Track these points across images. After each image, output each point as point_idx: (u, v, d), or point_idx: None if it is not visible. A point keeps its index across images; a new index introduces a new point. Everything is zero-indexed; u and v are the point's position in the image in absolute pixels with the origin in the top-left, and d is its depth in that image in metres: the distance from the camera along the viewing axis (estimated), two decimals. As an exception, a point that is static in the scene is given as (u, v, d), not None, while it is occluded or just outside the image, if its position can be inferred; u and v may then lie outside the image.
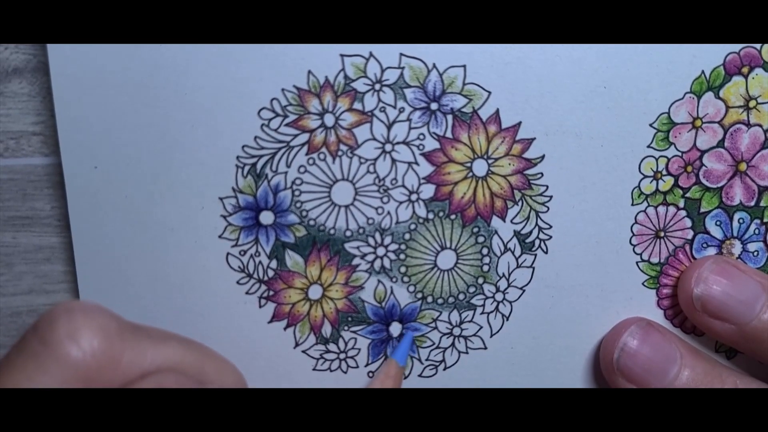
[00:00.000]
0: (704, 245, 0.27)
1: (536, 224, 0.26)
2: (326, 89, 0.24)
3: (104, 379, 0.18)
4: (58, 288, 0.25)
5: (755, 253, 0.27)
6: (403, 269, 0.26)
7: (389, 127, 0.24)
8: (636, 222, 0.26)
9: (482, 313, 0.27)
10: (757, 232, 0.27)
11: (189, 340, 0.20)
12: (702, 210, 0.27)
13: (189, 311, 0.25)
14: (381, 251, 0.25)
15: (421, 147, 0.25)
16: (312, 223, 0.25)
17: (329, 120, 0.24)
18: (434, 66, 0.24)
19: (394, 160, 0.25)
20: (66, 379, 0.17)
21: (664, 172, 0.26)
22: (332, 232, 0.25)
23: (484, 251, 0.26)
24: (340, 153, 0.24)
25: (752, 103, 0.26)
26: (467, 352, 0.27)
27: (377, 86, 0.24)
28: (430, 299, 0.26)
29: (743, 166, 0.26)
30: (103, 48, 0.22)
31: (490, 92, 0.24)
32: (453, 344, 0.27)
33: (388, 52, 0.24)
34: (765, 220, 0.27)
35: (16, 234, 0.25)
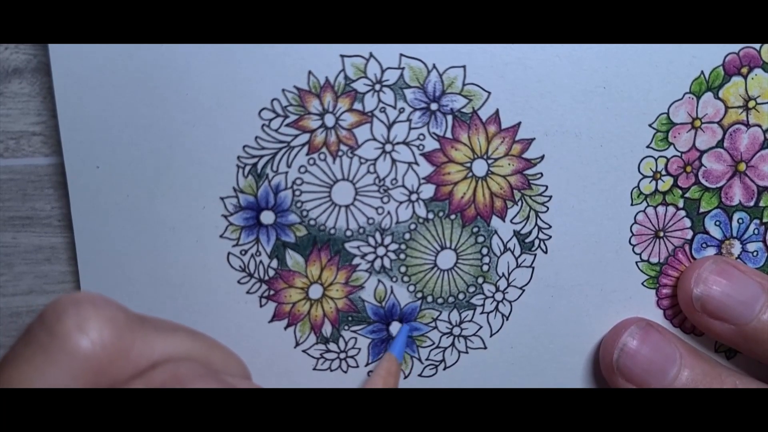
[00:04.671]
0: (704, 245, 0.27)
1: (536, 224, 0.26)
2: (326, 89, 0.24)
3: (114, 370, 0.18)
4: (58, 288, 0.25)
5: (754, 254, 0.27)
6: (403, 269, 0.26)
7: (389, 127, 0.24)
8: (635, 222, 0.26)
9: (482, 312, 0.27)
10: (756, 232, 0.27)
11: (195, 331, 0.20)
12: (701, 210, 0.27)
13: (190, 310, 0.25)
14: (381, 251, 0.25)
15: (421, 147, 0.25)
16: (312, 222, 0.25)
17: (329, 120, 0.24)
18: (434, 66, 0.24)
19: (394, 161, 0.25)
20: (76, 371, 0.17)
21: (664, 173, 0.26)
22: (333, 231, 0.25)
23: (484, 251, 0.26)
24: (340, 153, 0.24)
25: (751, 104, 0.26)
26: (467, 352, 0.27)
27: (377, 87, 0.24)
28: (430, 299, 0.26)
29: (742, 167, 0.26)
30: (105, 48, 0.22)
31: (489, 92, 0.24)
32: (453, 344, 0.27)
33: (388, 53, 0.24)
34: (764, 220, 0.27)
35: (16, 234, 0.25)
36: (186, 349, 0.19)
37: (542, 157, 0.25)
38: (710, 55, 0.25)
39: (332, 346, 0.26)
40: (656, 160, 0.26)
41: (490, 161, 0.25)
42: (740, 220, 0.27)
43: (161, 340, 0.19)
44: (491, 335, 0.27)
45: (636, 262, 0.27)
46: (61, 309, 0.17)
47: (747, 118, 0.26)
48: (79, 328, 0.17)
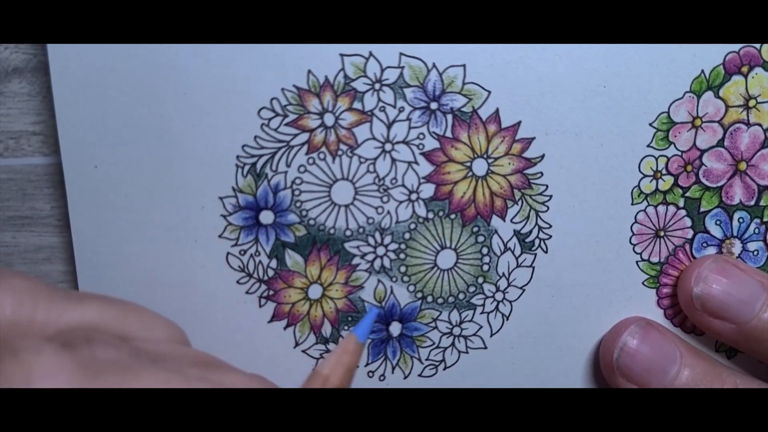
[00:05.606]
0: (704, 244, 0.27)
1: (536, 224, 0.26)
2: (326, 89, 0.24)
3: (15, 339, 0.17)
4: (58, 288, 0.25)
5: (755, 253, 0.27)
6: (403, 269, 0.26)
7: (389, 126, 0.24)
8: (636, 221, 0.26)
9: (482, 312, 0.27)
10: (756, 231, 0.27)
11: (110, 298, 0.20)
12: (702, 209, 0.27)
13: (189, 311, 0.25)
14: (381, 251, 0.25)
15: (420, 146, 0.25)
16: (312, 222, 0.25)
17: (329, 119, 0.24)
18: (434, 65, 0.24)
19: (393, 160, 0.25)
20: None
21: (664, 172, 0.26)
22: (332, 231, 0.25)
23: (484, 251, 0.26)
24: (339, 152, 0.24)
25: (752, 103, 0.26)
26: (467, 352, 0.27)
27: (377, 86, 0.24)
28: (430, 299, 0.26)
29: (743, 166, 0.26)
30: (103, 48, 0.22)
31: (489, 92, 0.24)
32: (453, 344, 0.27)
33: (387, 52, 0.24)
34: (765, 219, 0.27)
35: (16, 234, 0.25)
36: (96, 316, 0.18)
37: (542, 157, 0.25)
38: (711, 54, 0.25)
39: (332, 347, 0.26)
40: (657, 159, 0.26)
41: (490, 160, 0.25)
42: (741, 220, 0.27)
43: (69, 308, 0.18)
44: (491, 335, 0.27)
45: (636, 262, 0.27)
46: None
47: (747, 117, 0.26)
48: None
